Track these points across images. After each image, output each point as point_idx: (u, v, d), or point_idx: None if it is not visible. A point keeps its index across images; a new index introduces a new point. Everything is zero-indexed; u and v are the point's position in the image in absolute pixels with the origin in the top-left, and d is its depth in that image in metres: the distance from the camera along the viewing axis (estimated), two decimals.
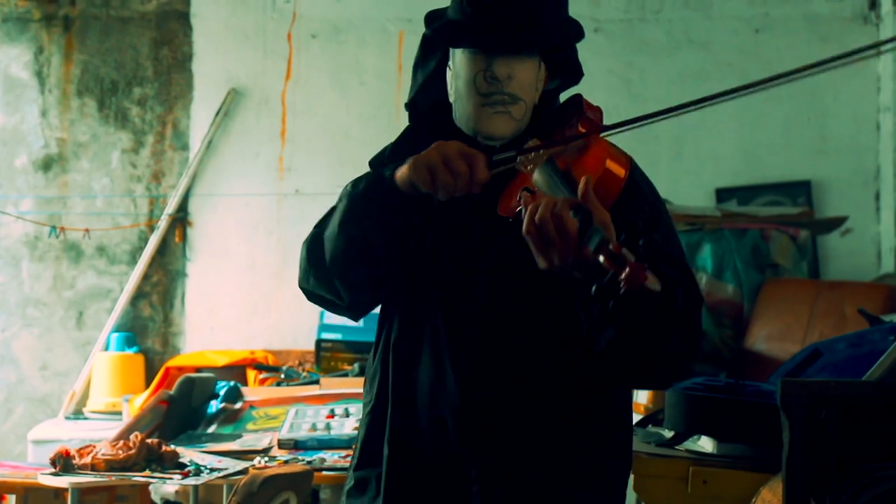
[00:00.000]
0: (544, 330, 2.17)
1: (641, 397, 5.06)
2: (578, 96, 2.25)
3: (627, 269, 1.74)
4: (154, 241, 6.63)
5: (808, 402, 2.18)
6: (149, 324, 6.69)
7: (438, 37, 2.26)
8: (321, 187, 6.45)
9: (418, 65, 2.39)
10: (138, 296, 6.67)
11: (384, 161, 2.31)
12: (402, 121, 7.15)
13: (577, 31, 2.26)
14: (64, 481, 4.13)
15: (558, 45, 2.26)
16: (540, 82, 2.23)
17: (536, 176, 2.07)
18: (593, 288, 1.81)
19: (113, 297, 6.67)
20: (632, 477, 2.73)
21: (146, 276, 6.67)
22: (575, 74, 2.32)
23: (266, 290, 6.55)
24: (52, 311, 6.69)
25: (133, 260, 6.68)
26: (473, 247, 2.21)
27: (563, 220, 1.88)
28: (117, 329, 6.60)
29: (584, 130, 2.15)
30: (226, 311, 6.61)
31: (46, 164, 6.75)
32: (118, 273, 6.70)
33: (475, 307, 2.18)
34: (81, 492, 4.21)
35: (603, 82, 6.46)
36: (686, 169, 6.46)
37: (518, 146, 2.17)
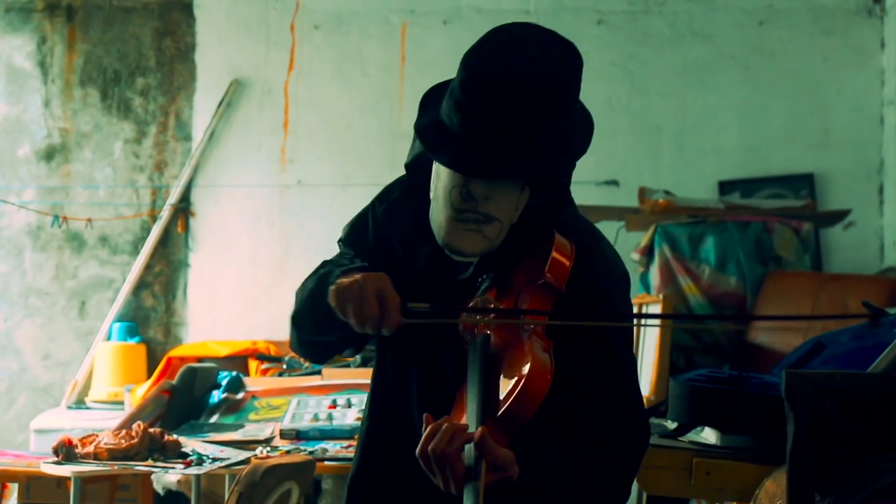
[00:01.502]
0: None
1: (644, 389, 5.06)
2: (552, 237, 2.10)
3: None
4: (156, 231, 6.63)
5: (812, 394, 2.18)
6: (151, 314, 6.70)
7: (423, 140, 2.08)
8: (323, 178, 6.45)
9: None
10: (140, 286, 6.67)
11: (383, 217, 2.26)
12: (404, 113, 7.18)
13: (573, 151, 2.08)
14: (66, 470, 4.13)
15: (545, 177, 2.08)
16: (522, 202, 2.08)
17: (470, 345, 2.03)
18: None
19: (115, 287, 6.67)
20: None
21: (148, 267, 6.67)
22: (562, 198, 2.16)
23: (268, 280, 6.55)
24: (54, 301, 6.69)
25: (135, 250, 6.68)
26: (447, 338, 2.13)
27: (452, 465, 1.85)
28: (119, 319, 6.60)
29: (547, 278, 2.04)
30: (228, 302, 6.61)
31: (49, 154, 6.74)
32: (120, 263, 6.71)
33: (442, 389, 2.13)
34: (84, 481, 4.21)
35: (606, 74, 6.45)
36: (689, 162, 6.46)
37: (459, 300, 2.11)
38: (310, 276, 2.24)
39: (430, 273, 2.16)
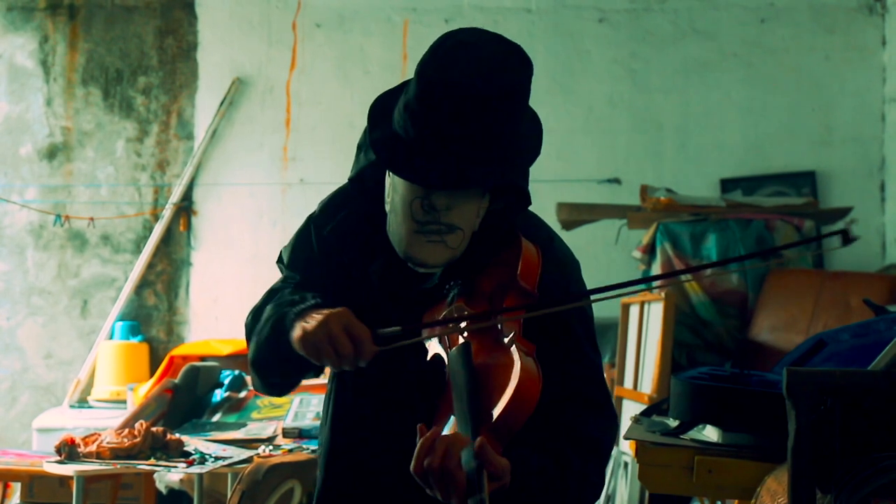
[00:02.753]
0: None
1: (645, 387, 5.06)
2: (518, 241, 2.08)
3: None
4: (158, 230, 6.63)
5: (813, 392, 2.18)
6: (153, 313, 6.71)
7: (379, 155, 2.03)
8: (325, 177, 6.45)
9: (362, 147, 2.18)
10: (143, 285, 6.68)
11: (319, 241, 2.23)
12: None
13: (522, 161, 2.06)
14: (69, 469, 4.14)
15: (506, 182, 2.06)
16: (482, 209, 2.06)
17: (451, 355, 1.99)
18: None
19: (117, 285, 6.68)
20: (637, 466, 2.73)
21: (150, 265, 6.68)
22: (523, 200, 2.11)
23: (270, 279, 6.46)
24: (56, 300, 6.70)
25: (137, 249, 6.69)
26: (413, 363, 2.11)
27: (452, 477, 1.81)
28: (122, 318, 6.61)
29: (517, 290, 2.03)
30: (230, 300, 6.62)
31: (51, 153, 6.75)
32: (123, 262, 6.71)
33: (411, 396, 2.12)
34: (86, 480, 4.22)
35: (607, 72, 6.45)
36: (691, 159, 6.46)
37: (440, 289, 2.08)
38: (260, 314, 2.19)
39: (388, 287, 2.12)
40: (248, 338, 2.24)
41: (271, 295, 2.22)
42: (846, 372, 2.29)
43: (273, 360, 2.15)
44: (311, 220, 2.27)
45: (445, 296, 2.08)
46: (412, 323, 2.04)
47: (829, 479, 2.18)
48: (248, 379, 5.40)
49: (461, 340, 2.01)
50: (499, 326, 1.99)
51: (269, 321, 2.14)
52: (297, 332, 2.02)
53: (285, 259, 2.31)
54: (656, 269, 5.44)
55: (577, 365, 2.10)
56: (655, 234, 5.47)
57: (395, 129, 2.02)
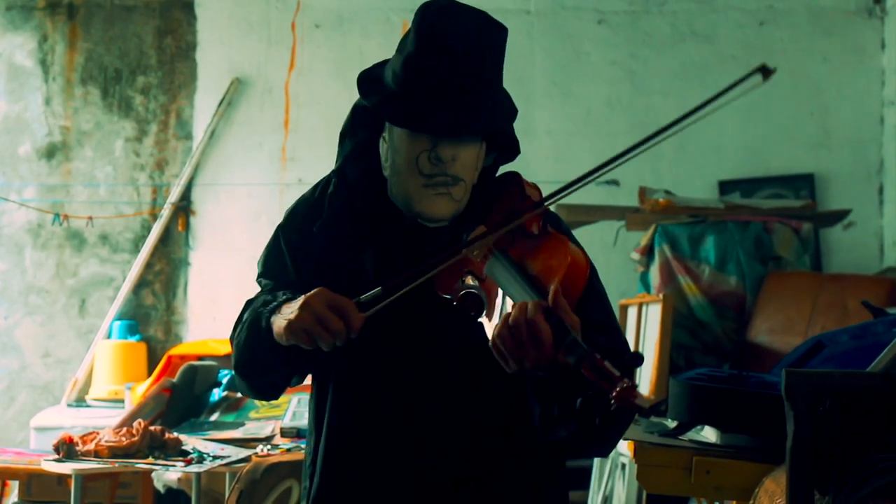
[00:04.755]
0: (487, 394, 2.15)
1: (643, 388, 5.07)
2: (516, 175, 2.18)
3: (618, 389, 1.73)
4: (157, 229, 6.63)
5: (811, 393, 2.19)
6: (151, 312, 6.71)
7: (383, 114, 2.13)
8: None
9: (347, 133, 2.28)
10: (141, 284, 6.68)
11: (305, 219, 2.26)
12: None
13: (513, 109, 2.18)
14: (67, 468, 4.14)
15: (504, 127, 2.19)
16: (480, 161, 2.17)
17: (488, 268, 2.03)
18: (578, 402, 1.81)
19: (115, 285, 6.68)
20: (635, 466, 2.74)
21: (149, 265, 6.68)
22: (512, 150, 2.24)
23: None
24: (54, 299, 6.70)
25: (136, 248, 6.69)
26: (413, 328, 2.15)
27: (537, 326, 1.84)
28: (120, 317, 6.61)
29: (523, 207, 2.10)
30: (228, 300, 6.61)
31: (50, 152, 6.75)
32: (121, 261, 6.71)
33: (417, 385, 2.15)
34: (85, 478, 4.22)
35: (606, 74, 6.46)
36: (689, 161, 6.46)
37: (457, 232, 2.13)
38: (239, 324, 2.24)
39: (382, 274, 2.13)
40: (234, 349, 2.27)
41: (248, 305, 2.27)
42: (844, 373, 2.30)
43: (252, 361, 2.19)
44: (279, 228, 2.33)
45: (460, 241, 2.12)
46: (392, 284, 2.05)
47: (827, 481, 2.18)
48: None
49: (495, 253, 2.06)
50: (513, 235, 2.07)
51: (245, 324, 2.20)
52: (281, 324, 2.05)
53: (261, 271, 2.35)
54: (654, 271, 5.44)
55: (595, 304, 2.15)
56: (654, 236, 5.47)
57: (393, 90, 2.12)
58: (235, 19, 6.76)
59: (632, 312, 5.42)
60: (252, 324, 2.17)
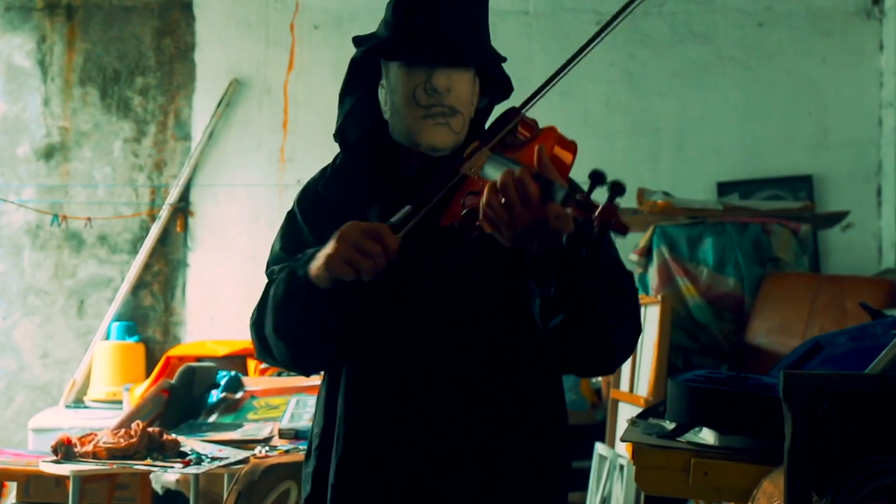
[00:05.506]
0: (492, 334, 2.21)
1: (642, 390, 5.07)
2: (515, 109, 2.26)
3: (599, 208, 1.80)
4: (155, 230, 6.63)
5: (810, 395, 2.19)
6: (150, 313, 6.70)
7: (376, 53, 2.27)
8: None
9: (346, 91, 2.39)
10: (139, 285, 6.68)
11: (314, 204, 2.33)
12: None
13: (499, 54, 2.31)
14: (65, 469, 4.14)
15: (495, 60, 2.30)
16: (475, 96, 2.27)
17: (486, 168, 2.12)
18: (564, 238, 1.90)
19: (114, 286, 6.67)
20: (633, 468, 2.74)
21: (147, 266, 6.68)
22: (505, 89, 2.35)
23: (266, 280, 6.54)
24: (53, 300, 6.70)
25: (134, 249, 6.69)
26: (421, 262, 2.22)
27: (524, 183, 1.92)
28: (118, 318, 6.61)
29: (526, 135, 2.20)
30: (227, 301, 6.62)
31: (48, 153, 6.75)
32: (119, 262, 6.71)
33: (425, 319, 2.22)
34: (83, 479, 4.22)
35: (605, 75, 6.45)
36: (687, 162, 6.47)
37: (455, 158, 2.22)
38: (270, 294, 2.26)
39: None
40: (260, 325, 2.30)
41: (269, 287, 2.30)
42: (843, 375, 2.30)
43: (292, 310, 2.20)
44: (293, 206, 2.43)
45: (458, 182, 2.18)
46: (419, 200, 2.14)
47: (825, 482, 2.18)
48: (245, 380, 5.40)
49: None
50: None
51: (279, 285, 2.22)
52: (319, 265, 2.11)
53: (277, 248, 2.38)
54: (653, 272, 5.44)
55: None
56: (652, 238, 5.47)
57: (384, 34, 2.28)
58: (234, 20, 6.76)
59: None
60: (287, 278, 2.20)
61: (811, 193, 6.28)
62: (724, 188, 6.37)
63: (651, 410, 3.16)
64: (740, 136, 6.48)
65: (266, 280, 2.36)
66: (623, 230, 1.80)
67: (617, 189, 1.81)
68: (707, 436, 2.75)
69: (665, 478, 2.68)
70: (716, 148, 6.48)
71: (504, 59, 2.32)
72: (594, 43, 2.30)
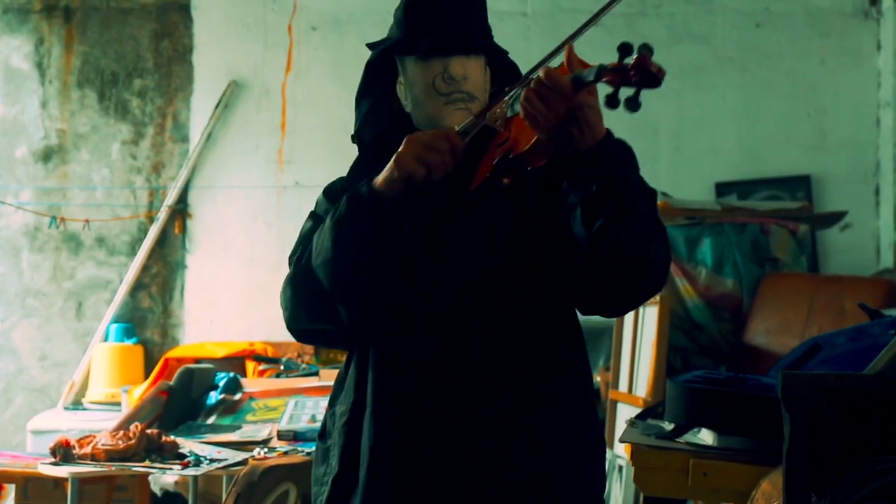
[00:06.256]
0: (524, 296, 2.25)
1: (640, 390, 5.07)
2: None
3: (634, 59, 1.93)
4: (154, 232, 6.63)
5: (808, 395, 2.19)
6: (148, 315, 6.70)
7: (393, 51, 2.38)
8: (321, 180, 6.39)
9: (362, 94, 2.46)
10: (138, 287, 6.67)
11: (341, 192, 2.35)
12: None
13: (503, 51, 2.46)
14: (64, 471, 4.13)
15: (498, 48, 2.43)
16: (487, 83, 2.38)
17: (511, 111, 2.21)
18: (607, 97, 2.01)
19: (112, 288, 6.67)
20: (632, 469, 2.74)
21: (146, 268, 6.67)
22: (514, 75, 2.42)
23: (265, 281, 6.54)
24: (51, 302, 6.70)
25: (132, 251, 6.68)
26: (451, 227, 2.28)
27: (556, 78, 2.06)
28: (116, 320, 6.61)
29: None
30: (225, 303, 6.61)
31: (46, 155, 6.75)
32: (118, 264, 6.71)
33: (456, 285, 2.25)
34: (81, 481, 4.21)
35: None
36: (686, 163, 6.47)
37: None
38: (322, 228, 2.27)
39: (415, 222, 2.26)
40: (302, 287, 2.30)
41: (306, 244, 2.35)
42: (841, 375, 2.30)
43: (354, 226, 2.20)
44: (321, 195, 2.47)
45: (484, 146, 2.26)
46: (480, 112, 2.26)
47: (823, 483, 2.18)
48: (243, 381, 5.39)
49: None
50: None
51: (341, 206, 2.23)
52: (384, 174, 2.19)
53: (307, 227, 2.40)
54: None
55: None
56: None
57: (397, 34, 2.38)
58: (232, 22, 6.76)
59: (628, 315, 5.42)
60: (349, 197, 2.22)
61: (809, 194, 6.28)
62: (722, 189, 6.37)
63: (650, 411, 3.16)
64: (738, 136, 6.48)
65: (289, 268, 2.39)
66: (660, 75, 1.94)
67: (646, 47, 1.95)
68: (706, 436, 2.75)
69: (664, 479, 2.69)
70: (714, 149, 6.48)
71: (506, 52, 2.44)
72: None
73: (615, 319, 5.46)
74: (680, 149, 6.50)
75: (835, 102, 6.43)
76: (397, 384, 2.26)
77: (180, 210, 6.68)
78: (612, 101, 2.01)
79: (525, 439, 2.22)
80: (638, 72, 1.93)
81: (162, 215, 6.63)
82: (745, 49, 6.51)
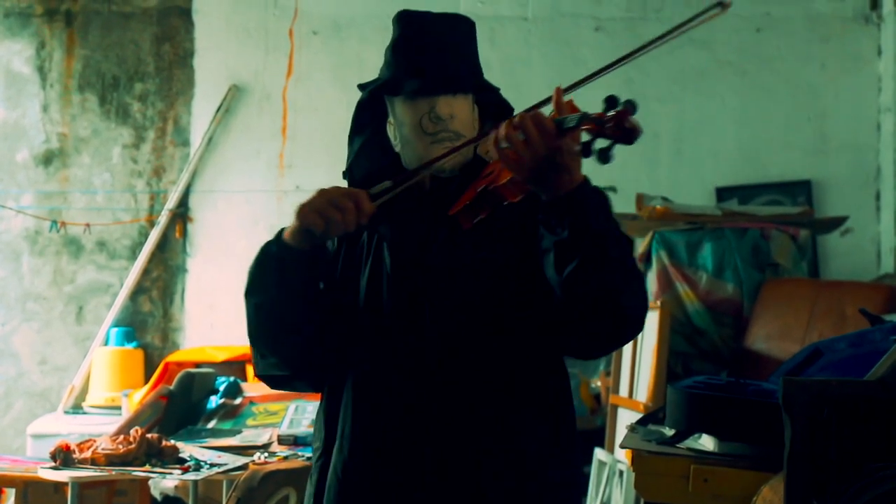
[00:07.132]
0: (502, 318, 2.25)
1: (641, 395, 5.06)
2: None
3: (614, 113, 1.93)
4: (154, 236, 6.63)
5: (809, 401, 2.19)
6: (148, 319, 6.70)
7: (381, 91, 2.40)
8: (321, 184, 6.38)
9: (354, 133, 2.49)
10: (138, 291, 6.67)
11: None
12: None
13: (494, 90, 2.45)
14: (64, 475, 4.13)
15: (489, 87, 2.43)
16: (475, 122, 2.38)
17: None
18: (582, 144, 2.00)
19: (113, 292, 6.67)
20: (633, 474, 2.74)
21: (146, 272, 6.67)
22: (505, 112, 2.41)
23: None
24: (51, 306, 6.69)
25: (133, 255, 6.68)
26: (430, 259, 2.29)
27: (539, 117, 2.05)
28: (117, 324, 6.60)
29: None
30: (225, 307, 6.61)
31: (47, 159, 6.75)
32: (118, 268, 6.71)
33: (432, 319, 2.26)
34: (81, 486, 4.22)
35: (603, 81, 6.42)
36: (686, 168, 6.47)
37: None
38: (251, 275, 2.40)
39: (398, 256, 2.30)
40: (249, 299, 2.47)
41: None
42: (842, 381, 2.30)
43: (264, 277, 2.36)
44: None
45: (471, 176, 2.28)
46: (402, 176, 2.27)
47: (825, 489, 2.18)
48: (243, 386, 5.40)
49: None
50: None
51: (249, 269, 2.41)
52: (294, 220, 2.22)
53: None
54: (652, 278, 5.44)
55: None
56: (651, 243, 5.47)
57: (386, 74, 2.41)
58: (233, 26, 6.76)
59: None
60: (262, 247, 2.33)
61: (810, 198, 6.28)
62: (722, 193, 6.37)
63: (650, 417, 3.16)
64: (739, 141, 6.48)
65: None
66: (634, 133, 1.94)
67: (630, 103, 1.96)
68: (707, 442, 2.75)
69: (664, 484, 2.68)
70: (714, 153, 6.48)
71: (497, 89, 2.43)
72: (657, 42, 2.42)
73: None
74: (681, 153, 6.50)
75: (835, 107, 6.43)
76: (370, 422, 2.28)
77: (181, 214, 6.68)
78: (585, 150, 2.01)
79: (500, 471, 2.23)
80: (615, 125, 1.94)
81: (163, 219, 6.63)
82: (746, 53, 6.51)
